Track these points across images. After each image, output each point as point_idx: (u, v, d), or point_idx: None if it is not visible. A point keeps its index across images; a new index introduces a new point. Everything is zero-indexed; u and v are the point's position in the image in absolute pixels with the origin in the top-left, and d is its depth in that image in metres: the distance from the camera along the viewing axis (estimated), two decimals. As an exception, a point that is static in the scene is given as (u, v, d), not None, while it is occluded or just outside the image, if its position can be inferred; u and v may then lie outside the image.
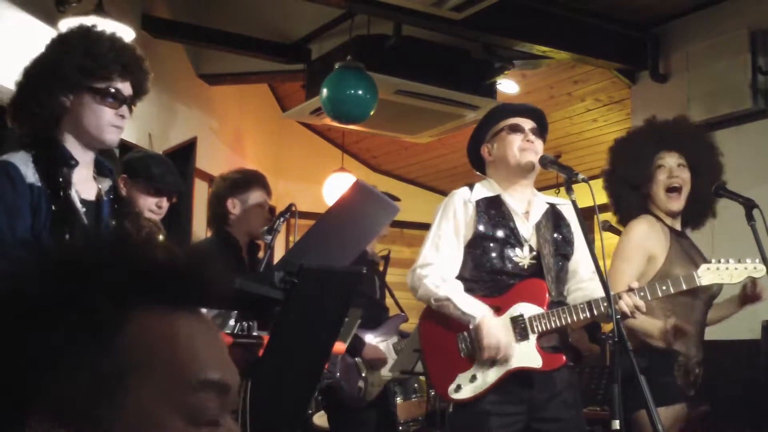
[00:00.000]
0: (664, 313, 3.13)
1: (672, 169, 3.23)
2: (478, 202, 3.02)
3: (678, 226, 3.30)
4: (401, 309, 4.95)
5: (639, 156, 3.27)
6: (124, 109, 2.35)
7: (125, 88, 2.35)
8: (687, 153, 3.26)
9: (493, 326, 2.88)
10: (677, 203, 3.24)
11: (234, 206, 3.66)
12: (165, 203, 3.39)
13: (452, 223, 3.02)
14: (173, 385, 0.74)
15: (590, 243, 2.88)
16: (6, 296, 0.76)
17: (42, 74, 2.29)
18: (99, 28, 2.38)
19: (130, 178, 3.34)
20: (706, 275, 2.95)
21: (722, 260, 2.98)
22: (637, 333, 3.09)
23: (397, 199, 4.86)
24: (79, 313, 0.74)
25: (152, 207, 3.33)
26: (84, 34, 2.35)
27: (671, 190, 3.23)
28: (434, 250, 3.00)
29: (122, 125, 2.36)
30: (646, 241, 3.18)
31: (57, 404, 0.73)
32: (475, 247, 2.99)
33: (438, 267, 2.98)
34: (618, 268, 3.16)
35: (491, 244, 2.97)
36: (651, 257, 3.18)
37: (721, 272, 2.96)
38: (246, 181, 3.71)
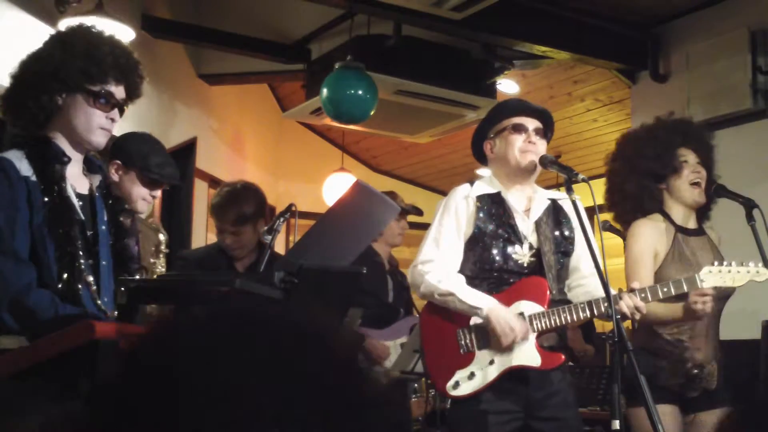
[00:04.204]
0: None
1: (694, 165, 3.29)
2: (478, 198, 3.02)
3: (692, 223, 3.33)
4: (418, 312, 4.94)
5: (666, 150, 3.31)
6: (115, 112, 2.36)
7: (119, 91, 2.36)
8: (701, 152, 3.34)
9: (502, 313, 2.87)
10: (702, 196, 3.29)
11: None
12: (158, 192, 3.25)
13: (453, 219, 3.01)
14: None
15: (591, 240, 2.88)
16: None
17: (41, 74, 2.29)
18: (98, 29, 2.39)
19: (125, 164, 3.11)
20: (708, 278, 2.95)
21: (725, 263, 2.98)
22: (650, 320, 3.08)
23: (420, 212, 4.93)
24: None
25: (145, 196, 3.15)
26: (85, 35, 2.35)
27: (695, 184, 3.28)
28: (435, 247, 3.00)
29: (111, 128, 2.37)
30: (651, 239, 3.23)
31: None
32: (476, 243, 2.98)
33: (439, 263, 2.97)
34: (632, 271, 3.21)
35: (491, 241, 2.97)
36: (656, 256, 3.23)
37: (723, 275, 2.96)
38: (219, 205, 3.82)
